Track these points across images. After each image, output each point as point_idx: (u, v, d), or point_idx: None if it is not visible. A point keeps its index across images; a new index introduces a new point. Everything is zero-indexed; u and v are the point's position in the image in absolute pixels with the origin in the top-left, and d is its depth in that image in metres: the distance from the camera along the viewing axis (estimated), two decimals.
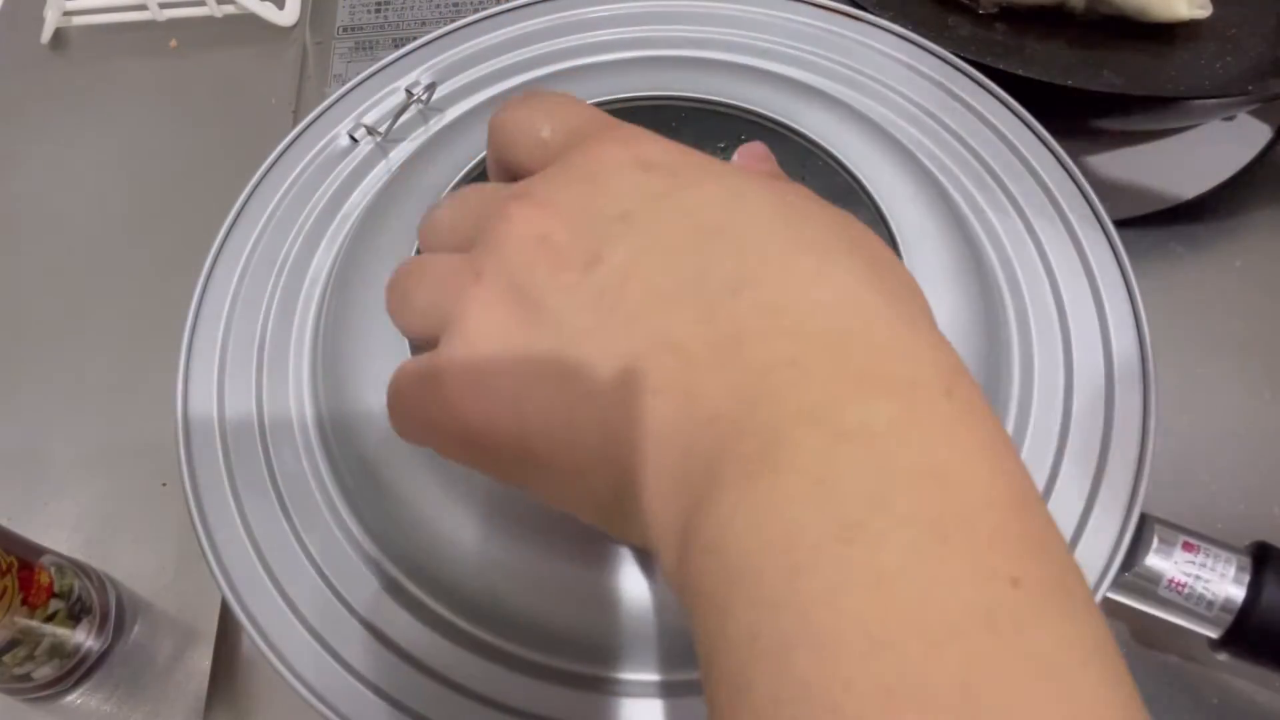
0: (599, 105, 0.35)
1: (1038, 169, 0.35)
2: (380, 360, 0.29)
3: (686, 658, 0.26)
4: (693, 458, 0.16)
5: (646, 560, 0.26)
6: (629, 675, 0.26)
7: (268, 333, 0.33)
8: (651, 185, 0.19)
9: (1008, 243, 0.33)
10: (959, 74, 0.37)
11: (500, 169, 0.24)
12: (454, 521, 0.27)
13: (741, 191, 0.19)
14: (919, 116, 0.36)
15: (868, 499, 0.15)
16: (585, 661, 0.27)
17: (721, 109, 0.34)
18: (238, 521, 0.29)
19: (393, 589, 0.28)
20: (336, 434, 0.30)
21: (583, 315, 0.18)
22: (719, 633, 0.15)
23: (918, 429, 0.15)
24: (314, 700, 0.26)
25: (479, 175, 0.33)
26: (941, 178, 0.34)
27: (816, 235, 0.18)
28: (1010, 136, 0.36)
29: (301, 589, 0.28)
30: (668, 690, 0.26)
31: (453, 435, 0.20)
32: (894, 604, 0.14)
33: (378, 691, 0.26)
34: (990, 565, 0.14)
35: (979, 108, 0.36)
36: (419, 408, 0.20)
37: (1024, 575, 0.14)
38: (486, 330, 0.19)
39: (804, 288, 0.17)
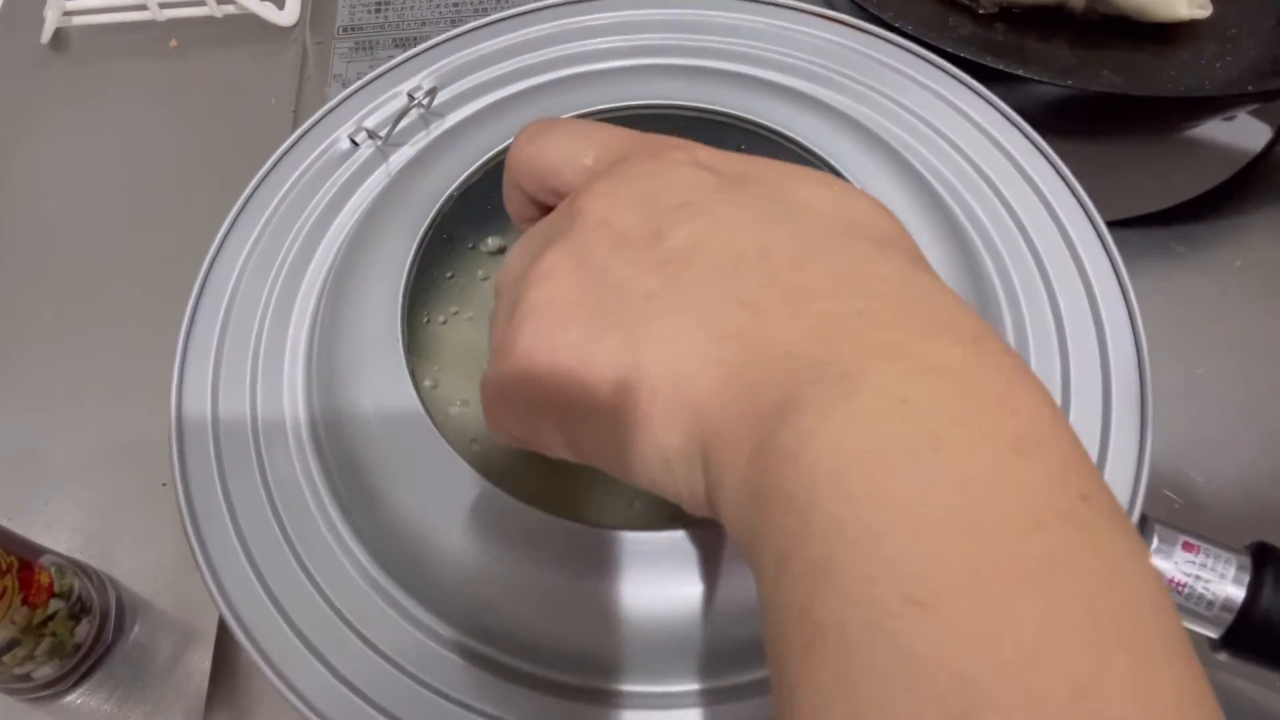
0: (600, 114, 0.35)
1: (1032, 175, 0.35)
2: (374, 364, 0.29)
3: (684, 670, 0.26)
4: (765, 388, 0.17)
5: (643, 571, 0.26)
6: (628, 687, 0.26)
7: (263, 336, 0.33)
8: (708, 181, 0.20)
9: (1003, 249, 0.33)
10: (955, 82, 0.37)
11: (527, 202, 0.24)
12: (447, 528, 0.27)
13: (794, 187, 0.20)
14: (915, 125, 0.36)
15: (950, 417, 0.16)
16: (580, 674, 0.26)
17: (721, 118, 0.34)
18: (230, 528, 0.29)
19: (388, 600, 0.28)
20: (330, 439, 0.30)
21: (648, 280, 0.19)
22: (800, 527, 0.16)
23: (987, 370, 0.17)
24: (308, 712, 0.26)
25: (479, 180, 0.33)
26: (937, 186, 0.34)
27: (867, 226, 0.20)
28: (1005, 144, 0.36)
29: (296, 601, 0.28)
30: (666, 701, 0.26)
31: (524, 399, 0.20)
32: (982, 500, 0.15)
33: (372, 703, 0.26)
34: (1063, 479, 0.16)
35: (975, 115, 0.36)
36: (495, 380, 0.21)
37: (1090, 494, 0.16)
38: (550, 294, 0.20)
39: (863, 263, 0.19)
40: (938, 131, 0.36)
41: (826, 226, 0.19)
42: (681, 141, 0.22)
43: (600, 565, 0.26)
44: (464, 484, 0.27)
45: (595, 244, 0.20)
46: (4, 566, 0.35)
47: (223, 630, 0.40)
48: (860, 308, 0.18)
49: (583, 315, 0.19)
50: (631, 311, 0.19)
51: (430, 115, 0.37)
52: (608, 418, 0.19)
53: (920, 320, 0.18)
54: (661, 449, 0.19)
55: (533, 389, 0.20)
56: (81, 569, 0.40)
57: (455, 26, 0.40)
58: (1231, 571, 0.30)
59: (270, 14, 0.58)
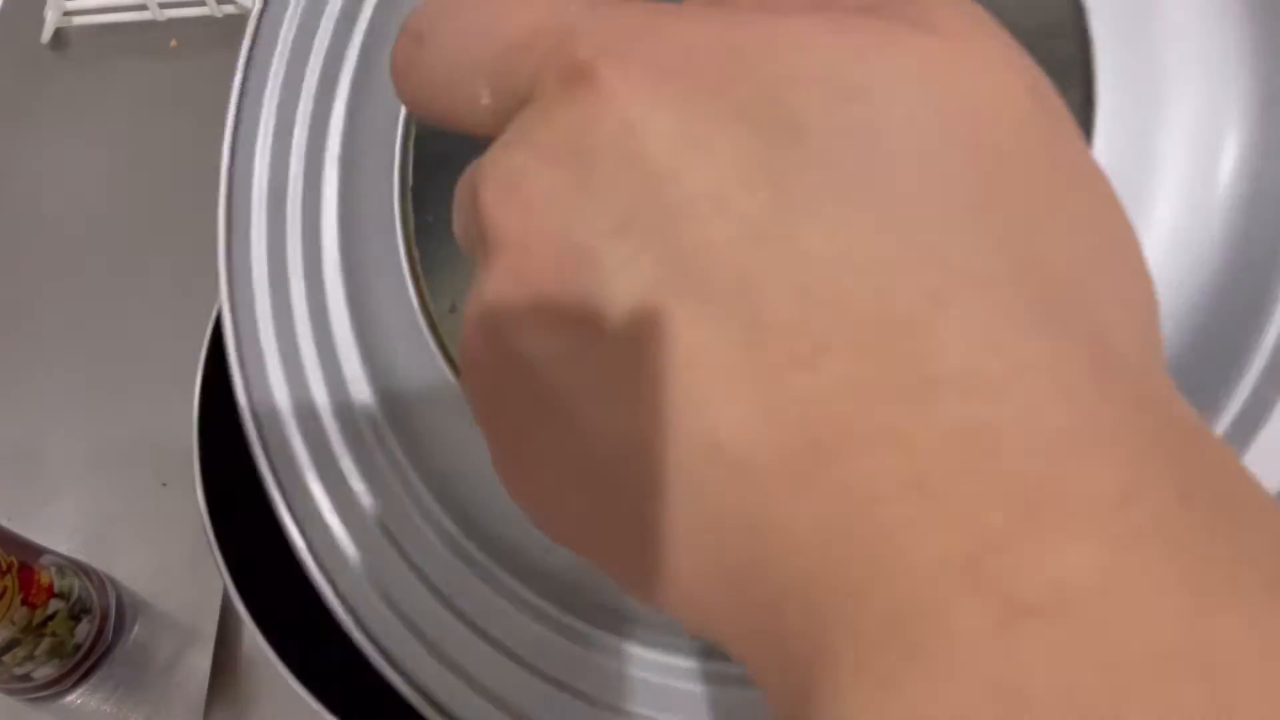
0: None
1: None
2: (380, 289, 0.25)
3: None
4: (780, 615, 0.11)
5: None
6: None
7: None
8: (660, 152, 0.11)
9: None
10: None
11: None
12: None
13: (811, 129, 0.11)
14: None
15: (1081, 715, 0.09)
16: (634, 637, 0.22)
17: None
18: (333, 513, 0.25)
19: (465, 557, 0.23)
20: (380, 398, 0.25)
21: (590, 404, 0.12)
22: None
23: (1146, 586, 0.09)
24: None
25: None
26: None
27: (952, 221, 0.11)
28: None
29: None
30: None
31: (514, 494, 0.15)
32: None
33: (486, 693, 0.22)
34: None
35: None
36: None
37: None
38: (484, 387, 0.14)
39: (929, 343, 0.10)
40: None
41: (863, 240, 0.11)
42: (615, 34, 0.12)
43: None
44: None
45: (513, 319, 0.13)
46: (4, 566, 0.35)
47: (223, 630, 0.40)
48: (916, 474, 0.10)
49: (526, 444, 0.13)
50: (581, 447, 0.13)
51: None
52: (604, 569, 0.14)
53: (1022, 484, 0.10)
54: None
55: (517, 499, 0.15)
56: (81, 569, 0.40)
57: None
58: None
59: None
